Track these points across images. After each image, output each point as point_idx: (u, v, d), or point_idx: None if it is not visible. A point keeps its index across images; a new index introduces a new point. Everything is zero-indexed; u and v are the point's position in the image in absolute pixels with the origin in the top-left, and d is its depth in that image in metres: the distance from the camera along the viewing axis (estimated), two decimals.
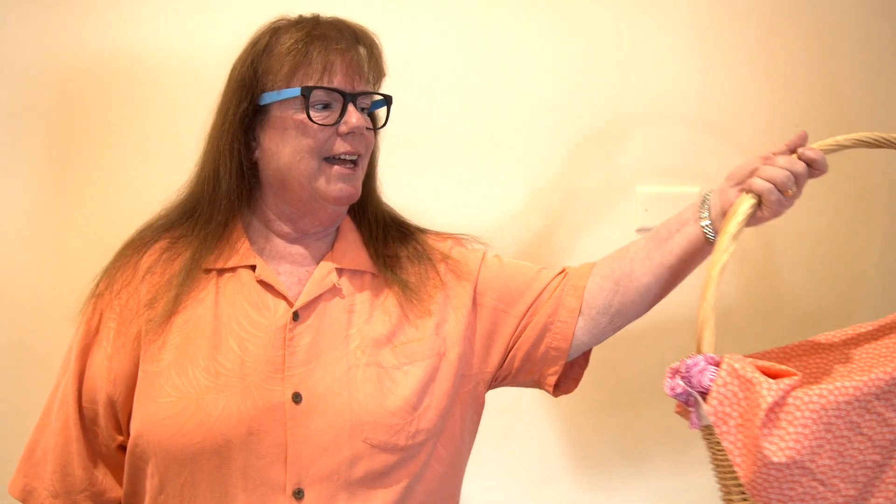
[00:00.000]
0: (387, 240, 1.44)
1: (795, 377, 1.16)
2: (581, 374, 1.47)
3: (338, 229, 1.43)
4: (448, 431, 1.37)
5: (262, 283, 1.34)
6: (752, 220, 1.31)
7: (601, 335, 1.43)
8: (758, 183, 1.29)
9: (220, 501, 1.24)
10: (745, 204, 1.29)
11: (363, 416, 1.28)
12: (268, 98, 1.33)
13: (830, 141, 1.32)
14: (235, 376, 1.27)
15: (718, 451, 1.20)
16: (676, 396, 1.21)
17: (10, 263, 1.73)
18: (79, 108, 1.74)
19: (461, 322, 1.41)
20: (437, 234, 1.51)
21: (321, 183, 1.34)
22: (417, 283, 1.40)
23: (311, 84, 1.31)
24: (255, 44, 1.36)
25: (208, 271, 1.35)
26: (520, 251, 1.91)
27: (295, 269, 1.37)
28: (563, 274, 1.46)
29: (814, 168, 1.30)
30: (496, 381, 1.45)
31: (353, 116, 1.32)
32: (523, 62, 1.88)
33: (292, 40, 1.33)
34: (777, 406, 1.13)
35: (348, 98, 1.32)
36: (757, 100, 1.96)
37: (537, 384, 1.45)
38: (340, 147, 1.33)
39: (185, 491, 1.26)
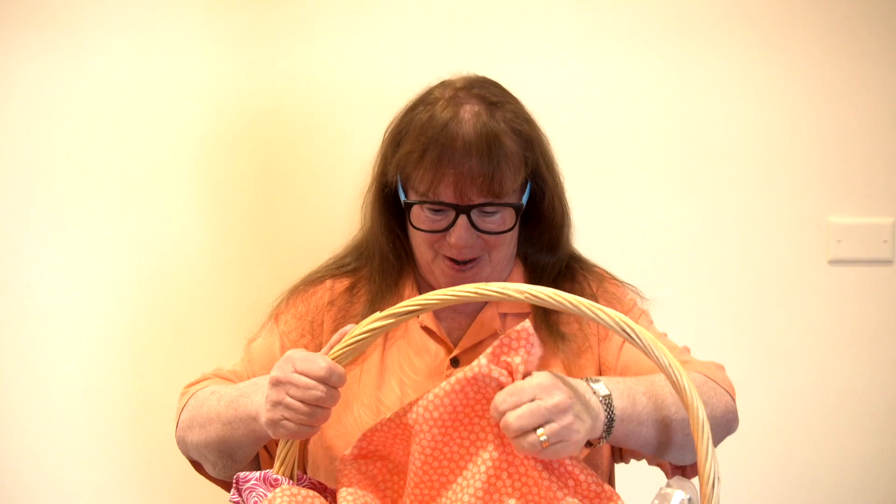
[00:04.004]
0: (556, 281, 1.38)
1: None
2: None
3: (507, 278, 1.39)
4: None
5: (424, 328, 1.35)
6: None
7: None
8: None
9: None
10: None
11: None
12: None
13: None
14: None
15: None
16: None
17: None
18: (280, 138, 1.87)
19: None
20: (617, 285, 1.43)
21: (437, 275, 1.33)
22: (574, 334, 1.34)
23: (415, 198, 1.28)
24: (393, 127, 1.35)
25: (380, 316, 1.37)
26: (704, 283, 1.89)
27: (458, 316, 1.36)
28: None
29: None
30: None
31: (456, 234, 1.26)
32: (707, 91, 1.87)
33: (415, 143, 1.27)
34: None
35: (459, 210, 1.26)
36: None
37: None
38: (447, 252, 1.30)
39: None
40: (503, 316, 1.34)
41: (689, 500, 0.84)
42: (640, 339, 0.92)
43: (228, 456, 1.25)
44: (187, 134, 1.86)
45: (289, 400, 1.07)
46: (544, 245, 1.38)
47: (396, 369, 1.33)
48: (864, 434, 1.91)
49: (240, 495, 1.07)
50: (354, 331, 1.07)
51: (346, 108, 1.85)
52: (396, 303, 1.32)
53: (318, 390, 1.06)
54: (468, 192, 1.25)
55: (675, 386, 0.89)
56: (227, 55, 1.85)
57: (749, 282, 1.89)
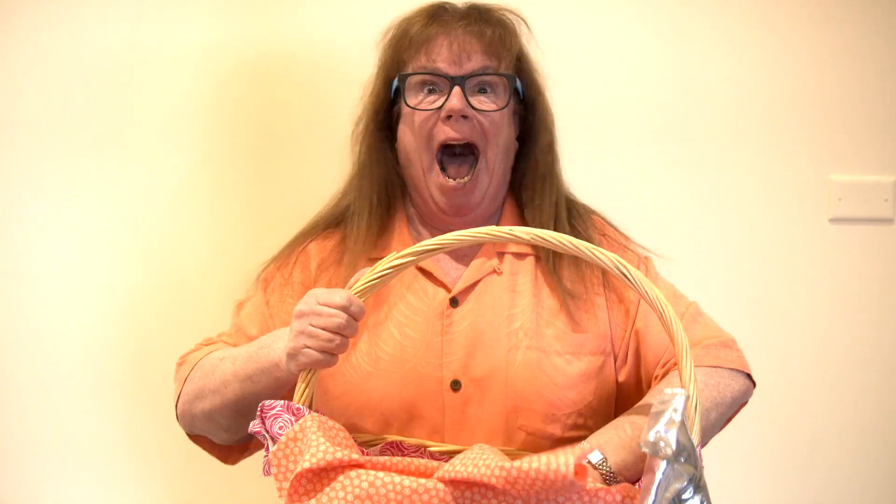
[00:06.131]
0: (555, 226, 1.38)
1: (355, 456, 1.06)
2: None
3: (501, 212, 1.41)
4: None
5: (420, 269, 1.35)
6: None
7: None
8: None
9: None
10: None
11: (518, 402, 1.27)
12: (393, 88, 1.36)
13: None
14: (396, 362, 1.30)
15: None
16: (256, 434, 1.13)
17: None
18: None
19: (620, 333, 1.36)
20: (617, 240, 1.43)
21: (431, 190, 1.35)
22: (576, 286, 1.35)
23: (408, 70, 1.32)
24: (386, 34, 1.39)
25: (371, 260, 1.33)
26: (704, 242, 1.91)
27: (455, 254, 1.37)
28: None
29: None
30: None
31: (454, 99, 1.29)
32: (709, 49, 1.88)
33: (406, 29, 1.34)
34: (315, 474, 1.05)
35: (454, 81, 1.29)
36: None
37: None
38: (442, 133, 1.31)
39: None
40: (501, 255, 1.36)
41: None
42: (635, 281, 0.94)
43: (244, 416, 1.27)
44: (183, 101, 1.84)
45: (310, 328, 1.12)
46: (538, 178, 1.39)
47: (394, 313, 1.33)
48: (865, 392, 1.93)
49: (263, 424, 1.12)
50: (376, 268, 1.12)
51: (347, 70, 1.78)
52: (387, 239, 1.37)
53: (339, 318, 1.11)
54: (464, 51, 1.30)
55: (662, 319, 0.91)
56: (226, 15, 1.83)
57: (750, 240, 1.91)
